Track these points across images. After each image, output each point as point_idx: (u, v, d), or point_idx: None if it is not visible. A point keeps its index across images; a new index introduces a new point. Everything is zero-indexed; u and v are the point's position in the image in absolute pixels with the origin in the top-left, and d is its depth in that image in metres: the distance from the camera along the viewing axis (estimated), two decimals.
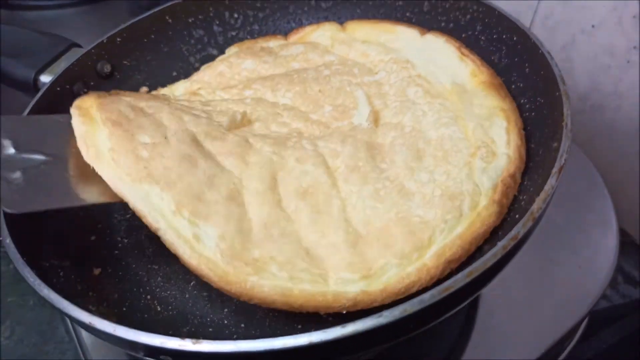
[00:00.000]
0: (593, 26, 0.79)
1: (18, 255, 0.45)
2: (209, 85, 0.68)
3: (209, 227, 0.47)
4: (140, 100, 0.57)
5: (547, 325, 0.62)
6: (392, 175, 0.53)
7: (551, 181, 0.43)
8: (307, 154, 0.55)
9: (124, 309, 0.50)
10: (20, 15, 1.10)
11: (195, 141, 0.53)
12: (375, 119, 0.59)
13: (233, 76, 0.69)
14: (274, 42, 0.74)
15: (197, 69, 0.74)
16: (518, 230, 0.40)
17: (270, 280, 0.45)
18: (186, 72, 0.75)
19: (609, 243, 0.68)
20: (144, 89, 0.68)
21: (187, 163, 0.51)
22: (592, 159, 0.80)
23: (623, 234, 0.80)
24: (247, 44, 0.75)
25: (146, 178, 0.49)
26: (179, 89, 0.69)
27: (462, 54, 0.62)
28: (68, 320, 0.63)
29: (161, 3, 0.98)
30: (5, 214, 0.49)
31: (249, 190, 0.51)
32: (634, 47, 0.75)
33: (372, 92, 0.63)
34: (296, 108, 0.62)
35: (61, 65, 0.66)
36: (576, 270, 0.67)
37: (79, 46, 0.70)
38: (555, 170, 0.43)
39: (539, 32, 0.85)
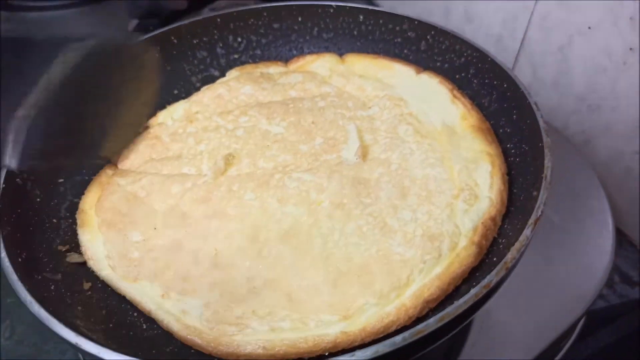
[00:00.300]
0: (589, 27, 0.79)
1: (12, 270, 0.47)
2: (207, 108, 0.70)
3: (195, 300, 0.51)
4: (135, 181, 0.61)
5: (544, 324, 0.63)
6: (376, 211, 0.55)
7: (526, 232, 0.45)
8: (288, 192, 0.57)
9: (111, 325, 0.51)
10: (20, 16, 1.12)
11: (182, 216, 0.58)
12: (364, 153, 0.61)
13: (231, 99, 0.71)
14: (274, 69, 0.77)
15: (197, 89, 0.76)
16: (491, 279, 0.42)
17: (252, 336, 0.47)
18: (187, 91, 0.77)
19: (606, 243, 0.69)
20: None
21: (174, 248, 0.55)
22: (588, 159, 0.82)
23: (619, 234, 0.82)
24: (248, 68, 0.77)
25: (138, 278, 0.53)
26: (177, 111, 0.71)
27: (454, 96, 0.65)
28: None
29: (161, 5, 1.00)
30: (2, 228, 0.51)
31: (231, 250, 0.54)
32: (630, 49, 0.75)
33: (364, 126, 0.65)
34: (286, 139, 0.64)
35: None
36: (573, 270, 0.67)
37: None
38: (531, 221, 0.45)
39: (536, 34, 0.88)
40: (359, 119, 0.66)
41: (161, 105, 0.74)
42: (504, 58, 0.94)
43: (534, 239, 0.46)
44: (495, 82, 0.63)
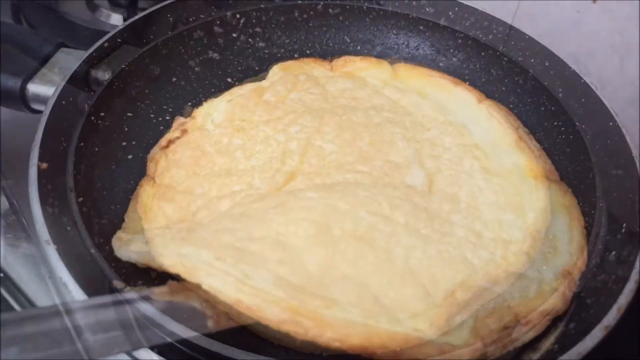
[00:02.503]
0: (578, 11, 0.81)
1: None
2: (253, 115, 0.64)
3: (259, 271, 0.47)
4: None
5: None
6: (454, 241, 0.52)
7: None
8: (359, 200, 0.54)
9: None
10: None
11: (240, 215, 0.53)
12: (429, 182, 0.58)
13: (277, 105, 0.66)
14: (318, 71, 0.71)
15: (235, 80, 0.71)
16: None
17: (344, 314, 0.45)
18: (226, 84, 0.71)
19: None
20: (188, 108, 0.66)
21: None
22: None
23: None
24: (292, 67, 0.71)
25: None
26: (219, 111, 0.65)
27: (519, 137, 0.62)
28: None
29: None
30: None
31: (296, 235, 0.50)
32: (619, 33, 0.78)
33: (425, 151, 0.61)
34: (343, 159, 0.60)
35: (54, 70, 0.61)
36: None
37: (66, 46, 0.64)
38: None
39: (522, 18, 0.86)
40: (419, 142, 0.62)
41: (196, 98, 0.67)
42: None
43: None
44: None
